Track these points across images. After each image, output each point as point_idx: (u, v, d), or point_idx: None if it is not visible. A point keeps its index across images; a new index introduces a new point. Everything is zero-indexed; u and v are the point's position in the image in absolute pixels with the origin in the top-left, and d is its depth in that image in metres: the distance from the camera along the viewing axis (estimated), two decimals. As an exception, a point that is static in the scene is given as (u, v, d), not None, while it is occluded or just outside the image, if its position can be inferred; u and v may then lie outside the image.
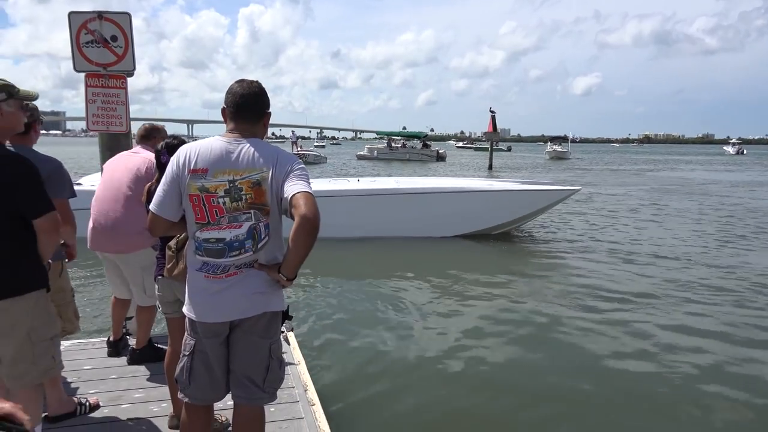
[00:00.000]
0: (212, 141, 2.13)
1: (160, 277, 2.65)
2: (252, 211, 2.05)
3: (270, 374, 2.19)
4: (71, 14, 4.30)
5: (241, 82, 2.17)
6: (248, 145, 2.09)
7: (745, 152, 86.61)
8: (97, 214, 3.50)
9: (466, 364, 4.97)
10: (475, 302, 6.91)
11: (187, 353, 2.21)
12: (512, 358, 5.16)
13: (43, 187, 2.21)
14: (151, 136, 3.69)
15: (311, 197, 1.97)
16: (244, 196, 2.04)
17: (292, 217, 1.96)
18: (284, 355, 3.62)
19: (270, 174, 2.04)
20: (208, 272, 2.09)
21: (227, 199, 2.04)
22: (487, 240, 10.80)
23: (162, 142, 2.62)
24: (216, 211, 2.06)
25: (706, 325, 6.06)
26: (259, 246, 2.07)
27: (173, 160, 2.14)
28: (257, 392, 2.19)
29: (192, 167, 2.06)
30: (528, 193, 10.87)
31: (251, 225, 2.05)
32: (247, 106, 2.13)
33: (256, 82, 2.19)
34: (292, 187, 1.99)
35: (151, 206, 2.15)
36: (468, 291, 7.43)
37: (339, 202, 10.20)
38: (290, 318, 2.37)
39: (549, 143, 61.84)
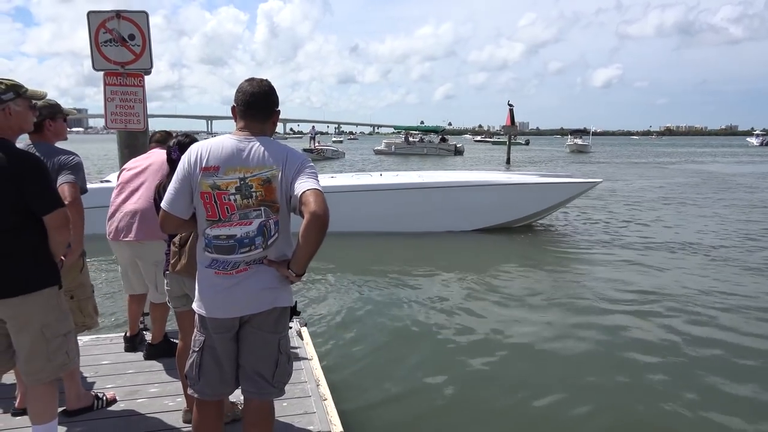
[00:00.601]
0: (223, 139, 2.15)
1: (167, 272, 2.69)
2: (262, 208, 2.08)
3: (279, 369, 2.22)
4: (90, 14, 4.35)
5: (251, 80, 2.19)
6: (258, 143, 2.11)
7: None
8: (118, 206, 3.59)
9: (485, 365, 4.89)
10: (496, 300, 6.82)
11: (197, 349, 2.24)
12: (533, 359, 5.02)
13: (53, 184, 2.25)
14: (167, 141, 3.78)
15: (321, 195, 1.99)
16: (254, 194, 2.07)
17: (302, 215, 1.99)
18: (297, 350, 3.67)
19: (280, 172, 2.07)
20: (218, 269, 2.12)
21: (238, 197, 2.07)
22: (507, 233, 10.77)
23: (173, 140, 2.65)
24: (227, 208, 2.09)
25: (732, 328, 5.79)
26: (269, 243, 2.10)
27: (184, 158, 2.17)
28: (267, 387, 2.22)
29: (204, 165, 2.10)
30: (550, 186, 10.89)
31: (261, 222, 2.08)
32: (257, 105, 2.16)
33: (266, 80, 2.21)
34: (302, 185, 2.02)
35: (163, 204, 2.19)
36: (490, 288, 7.36)
37: (362, 197, 10.30)
38: (298, 313, 2.40)
39: (569, 136, 61.10)
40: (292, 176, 2.06)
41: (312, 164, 2.14)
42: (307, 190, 1.99)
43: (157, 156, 3.61)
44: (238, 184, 2.07)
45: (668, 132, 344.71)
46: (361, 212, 10.02)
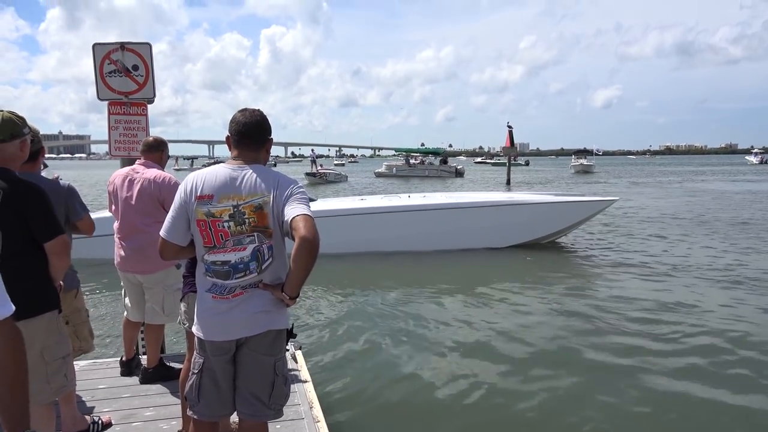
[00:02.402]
0: (217, 168, 2.25)
1: (191, 293, 2.74)
2: (255, 233, 2.15)
3: (275, 390, 2.27)
4: (95, 45, 4.44)
5: (243, 111, 2.29)
6: (251, 171, 2.20)
7: None
8: (122, 237, 3.64)
9: (484, 390, 4.75)
10: (501, 320, 6.71)
11: (197, 371, 2.30)
12: (538, 388, 4.81)
13: (53, 212, 2.33)
14: (160, 148, 3.77)
15: (311, 219, 2.07)
16: (247, 220, 2.15)
17: (293, 239, 2.06)
18: (292, 373, 3.70)
19: (271, 198, 2.15)
20: (215, 293, 2.19)
21: (232, 223, 2.15)
22: (523, 252, 10.96)
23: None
24: (221, 234, 2.16)
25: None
26: (263, 267, 2.17)
27: (181, 188, 2.26)
28: (263, 409, 2.26)
29: (199, 194, 2.19)
30: (573, 204, 11.51)
31: (255, 247, 2.15)
32: (250, 134, 2.25)
33: (258, 110, 2.31)
34: (292, 210, 2.09)
35: (161, 232, 2.28)
36: (495, 308, 7.28)
37: (394, 218, 10.72)
38: (294, 336, 2.44)
39: (573, 156, 60.78)
40: (282, 202, 2.14)
41: (303, 190, 2.22)
42: (298, 215, 2.07)
43: (144, 183, 3.53)
44: (232, 212, 2.15)
45: (668, 151, 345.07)
46: (394, 233, 10.50)
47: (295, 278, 2.09)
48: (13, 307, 1.33)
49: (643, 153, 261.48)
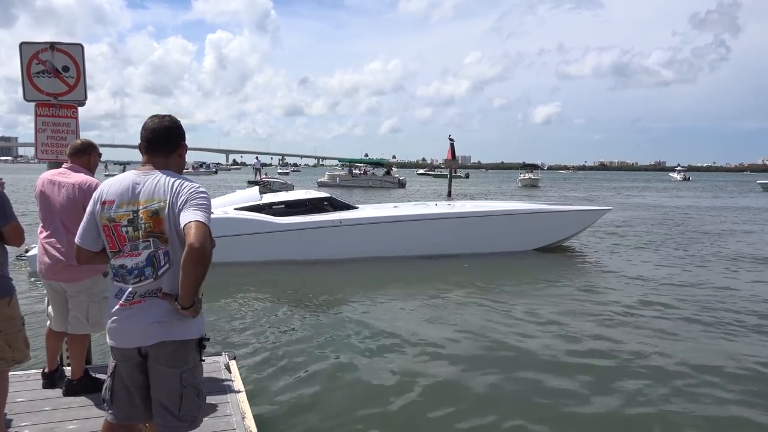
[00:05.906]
0: (125, 174, 2.27)
1: None
2: (150, 239, 2.17)
3: (185, 403, 2.24)
4: (22, 45, 4.30)
5: (153, 117, 2.30)
6: (153, 177, 2.21)
7: (691, 179, 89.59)
8: (45, 244, 3.51)
9: (430, 397, 4.71)
10: (448, 329, 6.71)
11: (109, 374, 2.32)
12: (477, 393, 4.80)
13: None
14: (87, 151, 3.65)
15: (202, 226, 2.04)
16: (143, 225, 2.17)
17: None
18: (225, 384, 3.65)
19: (167, 203, 2.15)
20: (120, 299, 2.20)
21: (130, 228, 2.18)
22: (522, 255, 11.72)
23: None
24: (121, 239, 2.19)
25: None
26: (159, 273, 2.17)
27: (94, 194, 2.29)
28: (173, 420, 2.25)
29: (103, 200, 2.22)
30: (581, 213, 12.86)
31: (150, 252, 2.16)
32: (158, 140, 2.27)
33: (168, 116, 2.32)
34: (186, 216, 2.09)
35: (75, 238, 2.30)
36: (440, 315, 7.32)
37: (433, 225, 11.32)
38: (204, 347, 2.31)
39: (521, 170, 60.88)
40: (179, 207, 2.13)
41: (204, 196, 2.17)
42: (190, 221, 2.05)
43: (69, 189, 3.45)
44: (131, 217, 2.18)
45: (603, 167, 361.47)
46: (436, 239, 11.17)
47: (184, 287, 2.07)
48: None
49: (568, 168, 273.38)
